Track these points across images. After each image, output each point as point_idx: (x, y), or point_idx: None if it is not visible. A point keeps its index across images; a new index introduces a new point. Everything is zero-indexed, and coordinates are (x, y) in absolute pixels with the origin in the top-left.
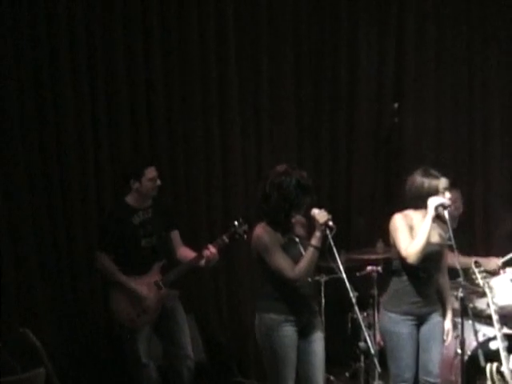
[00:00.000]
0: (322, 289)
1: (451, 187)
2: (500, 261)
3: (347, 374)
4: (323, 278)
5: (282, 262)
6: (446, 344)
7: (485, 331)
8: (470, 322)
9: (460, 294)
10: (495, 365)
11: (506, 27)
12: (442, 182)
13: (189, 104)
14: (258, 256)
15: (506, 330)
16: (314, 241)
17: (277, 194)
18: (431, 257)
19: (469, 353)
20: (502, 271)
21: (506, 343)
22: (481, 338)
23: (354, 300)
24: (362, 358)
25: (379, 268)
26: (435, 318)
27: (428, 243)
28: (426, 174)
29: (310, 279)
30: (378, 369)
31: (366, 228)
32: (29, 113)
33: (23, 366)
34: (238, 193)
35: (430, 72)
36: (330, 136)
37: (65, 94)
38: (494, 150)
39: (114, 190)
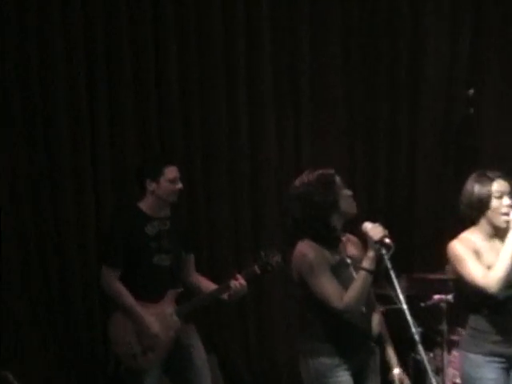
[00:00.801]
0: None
1: None
2: None
3: None
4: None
5: (328, 287)
6: None
7: None
8: None
9: None
10: None
11: None
12: (497, 185)
13: (210, 97)
14: (300, 279)
15: None
16: (367, 262)
17: (299, 203)
18: None
19: None
20: None
21: None
22: None
23: (417, 337)
24: None
25: (449, 297)
26: None
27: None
28: (479, 177)
29: (363, 309)
30: None
31: (432, 246)
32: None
33: None
34: (271, 208)
35: None
36: (387, 133)
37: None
38: None
39: (116, 192)
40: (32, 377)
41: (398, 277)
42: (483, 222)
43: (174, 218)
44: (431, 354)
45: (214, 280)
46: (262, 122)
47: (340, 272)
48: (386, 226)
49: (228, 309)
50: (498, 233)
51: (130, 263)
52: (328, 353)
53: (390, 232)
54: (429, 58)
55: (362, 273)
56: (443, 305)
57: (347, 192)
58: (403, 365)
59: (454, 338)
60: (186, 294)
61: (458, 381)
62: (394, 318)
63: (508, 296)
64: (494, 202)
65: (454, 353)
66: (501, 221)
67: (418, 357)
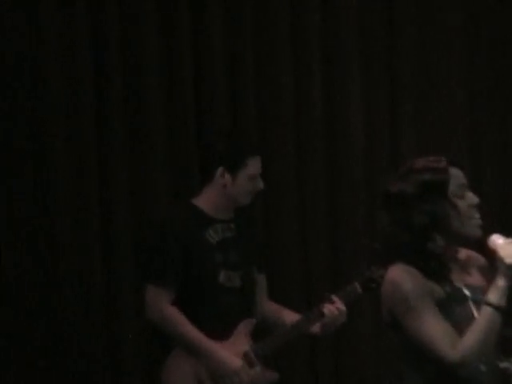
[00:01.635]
0: None
1: None
2: None
3: None
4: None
5: (434, 330)
6: None
7: None
8: None
9: None
10: None
11: None
12: None
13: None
14: (393, 317)
15: None
16: (494, 295)
17: (391, 213)
18: None
19: None
20: None
21: None
22: None
23: None
24: None
25: None
26: None
27: None
28: None
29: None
30: None
31: None
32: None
33: None
34: (353, 218)
35: None
36: None
37: None
38: None
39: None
40: None
41: None
42: None
43: (241, 221)
44: None
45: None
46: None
47: (452, 309)
48: None
49: (297, 347)
50: None
51: (186, 283)
52: None
53: None
54: None
55: (487, 309)
56: None
57: (471, 199)
58: None
59: None
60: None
61: None
62: None
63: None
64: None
65: None
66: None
67: None
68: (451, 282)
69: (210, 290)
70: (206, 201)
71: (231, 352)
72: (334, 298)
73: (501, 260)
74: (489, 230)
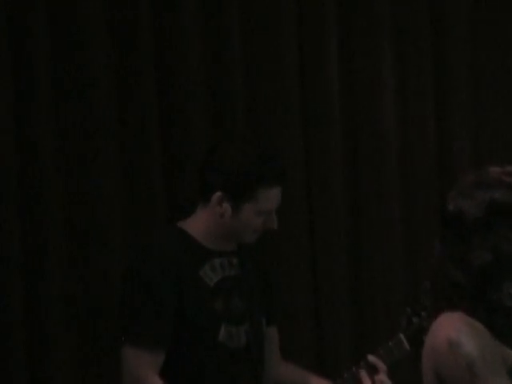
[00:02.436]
0: None
1: None
2: None
3: None
4: None
5: None
6: None
7: None
8: None
9: None
10: None
11: None
12: None
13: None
14: None
15: None
16: None
17: (452, 237)
18: None
19: None
20: None
21: None
22: None
23: None
24: None
25: None
26: None
27: None
28: None
29: None
30: None
31: None
32: None
33: None
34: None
35: None
36: None
37: None
38: None
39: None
40: None
41: None
42: None
43: (246, 253)
44: None
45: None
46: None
47: None
48: None
49: None
50: None
51: (175, 343)
52: None
53: None
54: None
55: None
56: None
57: None
58: None
59: None
60: None
61: None
62: None
63: None
64: None
65: None
66: None
67: None
68: None
69: (206, 353)
70: (197, 226)
71: None
72: (373, 358)
73: None
74: None
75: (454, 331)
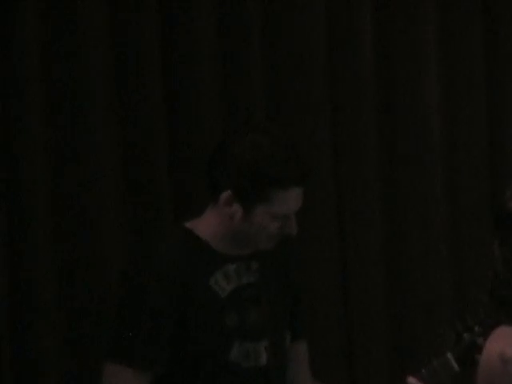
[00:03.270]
0: None
1: None
2: None
3: None
4: None
5: None
6: None
7: None
8: None
9: None
10: None
11: None
12: None
13: None
14: None
15: None
16: None
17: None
18: None
19: None
20: None
21: None
22: None
23: None
24: None
25: None
26: None
27: None
28: None
29: None
30: None
31: None
32: None
33: None
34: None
35: None
36: None
37: None
38: None
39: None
40: None
41: None
42: None
43: (268, 255)
44: None
45: None
46: None
47: None
48: None
49: None
50: None
51: (178, 362)
52: None
53: None
54: None
55: None
56: None
57: None
58: None
59: None
60: None
61: None
62: None
63: None
64: None
65: None
66: None
67: None
68: None
69: (216, 375)
70: (207, 228)
71: None
72: (413, 381)
73: None
74: None
75: (509, 347)
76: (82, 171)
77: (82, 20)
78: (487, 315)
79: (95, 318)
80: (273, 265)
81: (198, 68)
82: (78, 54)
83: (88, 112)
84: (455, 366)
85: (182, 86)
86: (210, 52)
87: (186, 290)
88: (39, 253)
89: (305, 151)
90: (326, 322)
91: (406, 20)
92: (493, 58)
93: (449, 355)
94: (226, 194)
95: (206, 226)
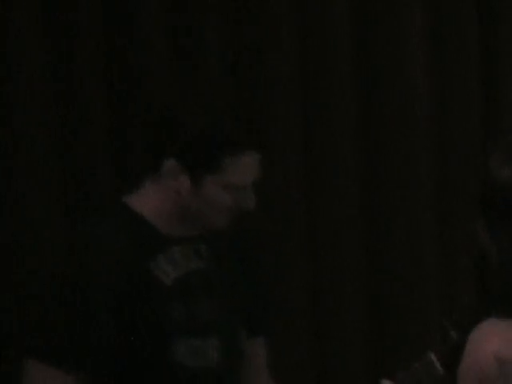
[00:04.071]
0: None
1: None
2: None
3: None
4: None
5: None
6: None
7: None
8: None
9: None
10: None
11: None
12: None
13: None
14: None
15: None
16: None
17: (501, 215)
18: None
19: None
20: None
21: None
22: None
23: None
24: None
25: None
26: None
27: None
28: None
29: None
30: None
31: None
32: None
33: None
34: None
35: None
36: None
37: None
38: None
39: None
40: None
41: None
42: None
43: (219, 236)
44: None
45: None
46: None
47: None
48: None
49: None
50: None
51: (115, 363)
52: None
53: None
54: None
55: None
56: None
57: None
58: None
59: None
60: None
61: None
62: None
63: None
64: None
65: None
66: None
67: None
68: None
69: (159, 376)
70: (147, 204)
71: None
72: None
73: None
74: None
75: (504, 344)
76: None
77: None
78: (475, 309)
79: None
80: (227, 249)
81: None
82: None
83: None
84: (439, 368)
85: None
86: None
87: (124, 278)
88: None
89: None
90: (292, 317)
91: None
92: (489, 47)
93: (432, 356)
94: (170, 164)
95: (147, 201)
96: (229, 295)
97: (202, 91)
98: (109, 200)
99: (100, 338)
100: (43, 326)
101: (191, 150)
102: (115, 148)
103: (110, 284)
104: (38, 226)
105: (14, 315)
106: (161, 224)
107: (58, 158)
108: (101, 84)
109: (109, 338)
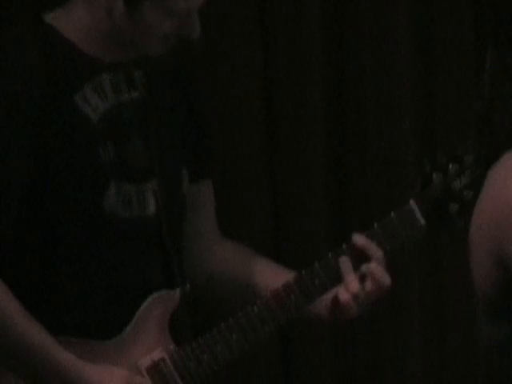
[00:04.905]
0: None
1: None
2: None
3: None
4: None
5: None
6: None
7: None
8: None
9: None
10: None
11: None
12: None
13: None
14: (505, 264)
15: None
16: None
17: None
18: None
19: None
20: None
21: None
22: None
23: None
24: None
25: None
26: None
27: None
28: None
29: None
30: None
31: None
32: None
33: None
34: None
35: None
36: None
37: None
38: None
39: None
40: None
41: None
42: None
43: (156, 60)
44: None
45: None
46: None
47: None
48: None
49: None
50: None
51: (33, 220)
52: None
53: None
54: None
55: None
56: None
57: None
58: None
59: None
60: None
61: None
62: None
63: None
64: None
65: None
66: None
67: None
68: None
69: (86, 231)
70: (74, 23)
71: (121, 364)
72: (361, 239)
73: None
74: None
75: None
76: None
77: None
78: (482, 142)
79: None
80: (166, 76)
81: None
82: None
83: None
84: (420, 218)
85: None
86: None
87: (44, 113)
88: None
89: None
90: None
91: None
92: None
93: (412, 204)
94: None
95: (73, 20)
96: (168, 131)
97: None
98: (27, 20)
99: (17, 187)
100: None
101: None
102: None
103: (30, 122)
104: None
105: None
106: (88, 47)
107: None
108: None
109: (27, 186)
